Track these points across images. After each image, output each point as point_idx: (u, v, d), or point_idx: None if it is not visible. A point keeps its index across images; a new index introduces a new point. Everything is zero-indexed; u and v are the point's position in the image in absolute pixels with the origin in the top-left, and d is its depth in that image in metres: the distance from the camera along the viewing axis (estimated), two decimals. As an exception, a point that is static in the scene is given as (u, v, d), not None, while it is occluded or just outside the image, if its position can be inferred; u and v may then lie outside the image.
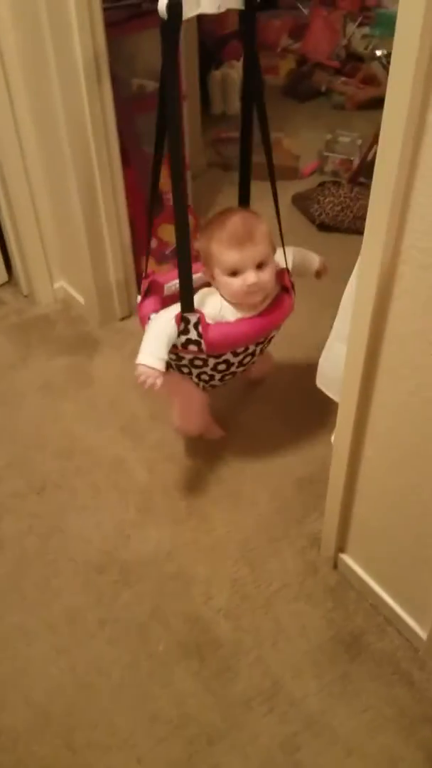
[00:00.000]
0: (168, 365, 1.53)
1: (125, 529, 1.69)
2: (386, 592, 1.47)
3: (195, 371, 1.61)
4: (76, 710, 1.37)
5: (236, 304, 1.54)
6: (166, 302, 1.58)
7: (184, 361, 1.58)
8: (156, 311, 1.55)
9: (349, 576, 1.55)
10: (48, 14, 1.73)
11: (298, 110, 3.53)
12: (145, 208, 1.69)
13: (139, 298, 1.65)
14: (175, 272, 1.46)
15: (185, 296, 1.47)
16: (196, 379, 1.64)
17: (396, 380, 1.17)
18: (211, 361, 1.57)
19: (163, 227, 2.28)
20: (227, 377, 1.66)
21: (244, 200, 1.64)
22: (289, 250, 1.64)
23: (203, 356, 1.55)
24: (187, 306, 1.48)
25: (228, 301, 1.54)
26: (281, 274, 1.59)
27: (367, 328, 1.13)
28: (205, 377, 1.63)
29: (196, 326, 1.48)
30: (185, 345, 1.50)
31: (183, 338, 1.49)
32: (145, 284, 1.64)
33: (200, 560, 1.62)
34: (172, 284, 1.57)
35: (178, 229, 1.40)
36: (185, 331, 1.48)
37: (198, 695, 1.39)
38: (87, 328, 2.24)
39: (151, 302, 1.60)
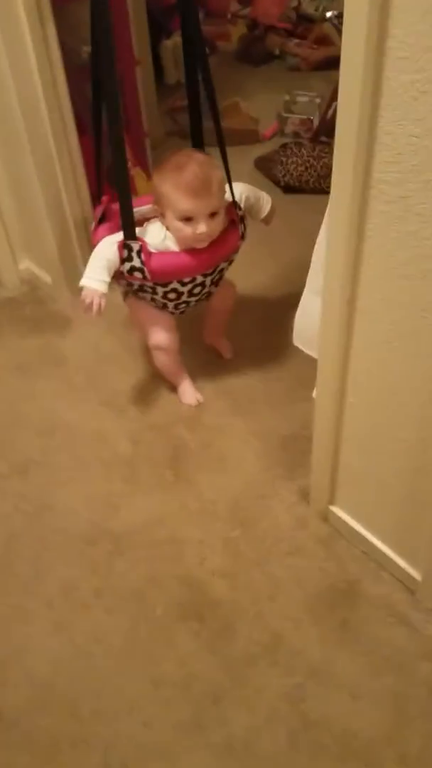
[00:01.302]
0: (125, 293, 1.68)
1: (114, 500, 1.68)
2: (377, 538, 1.48)
3: (147, 297, 1.67)
4: (78, 681, 1.37)
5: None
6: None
7: (135, 287, 1.64)
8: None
9: (340, 527, 1.56)
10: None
11: (253, 74, 3.48)
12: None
13: (93, 225, 1.69)
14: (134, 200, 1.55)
15: (126, 224, 1.53)
16: (152, 303, 1.70)
17: (372, 321, 1.17)
18: (160, 290, 1.63)
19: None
20: (182, 306, 1.71)
21: None
22: (240, 185, 1.69)
23: (150, 284, 1.60)
24: (129, 234, 1.53)
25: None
26: (228, 208, 1.61)
27: (342, 271, 1.13)
28: (159, 303, 1.69)
29: (138, 254, 1.53)
30: (130, 272, 1.57)
31: (127, 265, 1.55)
32: (98, 210, 1.69)
33: (191, 524, 1.62)
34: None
35: (116, 154, 1.47)
36: (129, 258, 1.54)
37: (200, 655, 1.39)
38: (57, 307, 2.21)
39: (105, 229, 1.65)
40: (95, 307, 1.55)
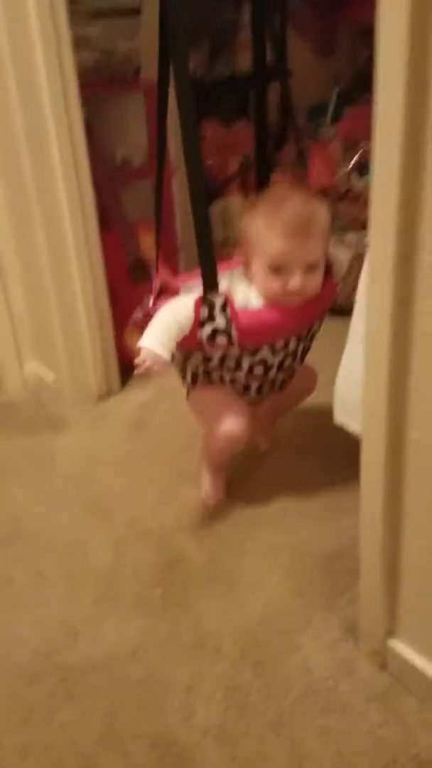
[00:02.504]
0: (194, 378, 1.29)
1: (74, 626, 1.17)
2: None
3: (227, 377, 1.30)
4: None
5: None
6: None
7: (213, 363, 1.27)
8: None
9: (406, 674, 1.01)
10: (16, 84, 1.57)
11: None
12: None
13: (151, 299, 1.30)
14: (191, 276, 1.23)
15: (208, 273, 1.17)
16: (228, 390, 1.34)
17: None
18: (246, 361, 1.26)
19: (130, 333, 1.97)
20: (265, 387, 1.34)
21: None
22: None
23: (236, 354, 1.24)
24: (211, 284, 1.17)
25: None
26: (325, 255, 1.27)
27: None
28: (240, 386, 1.32)
29: (223, 310, 1.17)
30: (212, 337, 1.19)
31: (208, 329, 1.18)
32: (156, 282, 1.31)
33: (178, 663, 1.09)
34: (191, 288, 1.25)
35: (196, 198, 1.16)
36: (210, 318, 1.17)
37: None
38: (56, 410, 1.85)
39: (164, 303, 1.25)
40: (148, 368, 1.15)
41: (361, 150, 3.73)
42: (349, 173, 3.71)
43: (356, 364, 0.99)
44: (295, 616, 1.16)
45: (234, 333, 1.18)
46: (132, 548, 1.34)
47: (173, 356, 1.24)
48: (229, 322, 1.18)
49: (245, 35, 3.83)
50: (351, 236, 2.77)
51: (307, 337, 1.32)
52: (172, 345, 1.17)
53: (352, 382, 1.14)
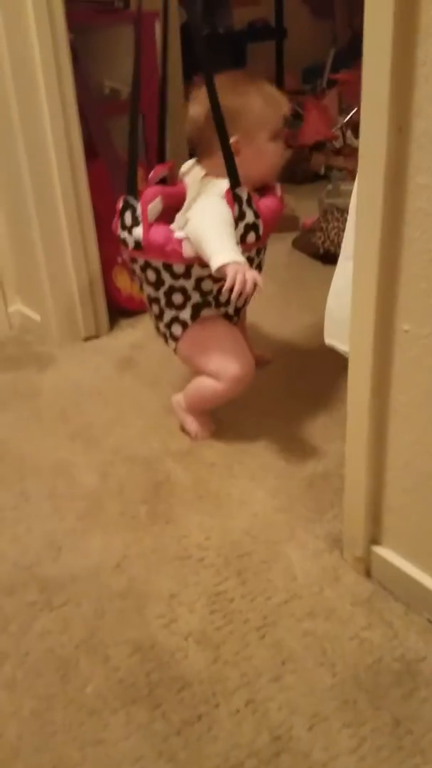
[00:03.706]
0: (195, 311, 1.25)
1: (57, 540, 1.16)
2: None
3: (223, 297, 1.22)
4: None
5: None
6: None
7: (210, 284, 1.22)
8: (169, 231, 1.19)
9: (391, 580, 1.00)
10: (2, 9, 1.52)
11: (295, 190, 3.35)
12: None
13: (139, 228, 1.20)
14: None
15: (232, 168, 1.14)
16: (212, 311, 1.28)
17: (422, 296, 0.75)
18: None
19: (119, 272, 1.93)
20: (240, 304, 1.32)
21: None
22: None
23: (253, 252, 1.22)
24: (236, 180, 1.15)
25: None
26: None
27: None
28: (231, 308, 1.29)
29: (249, 204, 1.16)
30: (244, 235, 1.16)
31: (241, 226, 1.15)
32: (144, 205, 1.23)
33: (162, 572, 1.07)
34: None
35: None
36: (241, 215, 1.15)
37: (147, 762, 0.80)
38: (42, 348, 1.82)
39: (160, 227, 1.21)
40: (253, 284, 1.06)
41: (356, 108, 3.68)
42: (344, 128, 3.66)
43: (346, 280, 0.96)
44: (281, 528, 1.14)
45: (261, 227, 1.17)
46: (118, 470, 1.31)
47: (158, 300, 1.22)
48: (257, 215, 1.17)
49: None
50: (346, 187, 2.73)
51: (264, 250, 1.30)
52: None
53: (341, 298, 1.12)
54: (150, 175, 1.32)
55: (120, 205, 1.23)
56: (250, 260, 1.19)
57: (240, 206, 1.15)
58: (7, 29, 1.54)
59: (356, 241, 0.84)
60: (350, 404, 0.95)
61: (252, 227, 1.16)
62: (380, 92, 0.72)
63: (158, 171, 1.32)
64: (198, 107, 1.19)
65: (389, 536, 1.00)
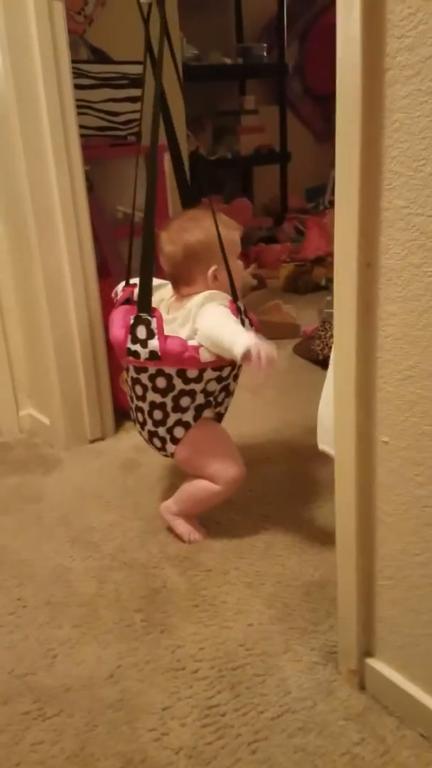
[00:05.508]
0: (198, 411, 1.32)
1: (52, 649, 1.16)
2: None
3: (221, 397, 1.36)
4: None
5: None
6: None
7: (216, 385, 1.33)
8: (183, 340, 1.26)
9: (384, 693, 0.99)
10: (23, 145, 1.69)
11: (297, 300, 3.49)
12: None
13: (155, 341, 1.26)
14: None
15: (232, 284, 1.31)
16: (210, 412, 1.37)
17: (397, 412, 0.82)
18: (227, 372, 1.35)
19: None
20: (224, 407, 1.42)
21: None
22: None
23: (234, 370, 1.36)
24: (236, 294, 1.31)
25: None
26: None
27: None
28: (222, 410, 1.40)
29: (245, 313, 1.33)
30: None
31: None
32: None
33: (157, 684, 1.07)
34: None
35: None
36: (242, 324, 1.29)
37: None
38: (50, 451, 1.87)
39: (174, 337, 1.28)
40: (273, 358, 1.17)
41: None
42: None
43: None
44: (276, 640, 1.14)
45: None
46: (116, 576, 1.33)
47: (163, 405, 1.30)
48: (252, 324, 1.31)
49: (247, 121, 4.09)
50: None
51: None
52: None
53: (330, 407, 1.17)
54: (119, 296, 1.43)
55: (131, 320, 1.28)
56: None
57: (240, 315, 1.28)
58: (29, 163, 1.69)
59: (335, 361, 0.91)
60: (338, 513, 0.99)
61: None
62: (350, 233, 0.81)
63: (126, 293, 1.42)
64: (172, 246, 1.33)
65: (382, 648, 1.00)
